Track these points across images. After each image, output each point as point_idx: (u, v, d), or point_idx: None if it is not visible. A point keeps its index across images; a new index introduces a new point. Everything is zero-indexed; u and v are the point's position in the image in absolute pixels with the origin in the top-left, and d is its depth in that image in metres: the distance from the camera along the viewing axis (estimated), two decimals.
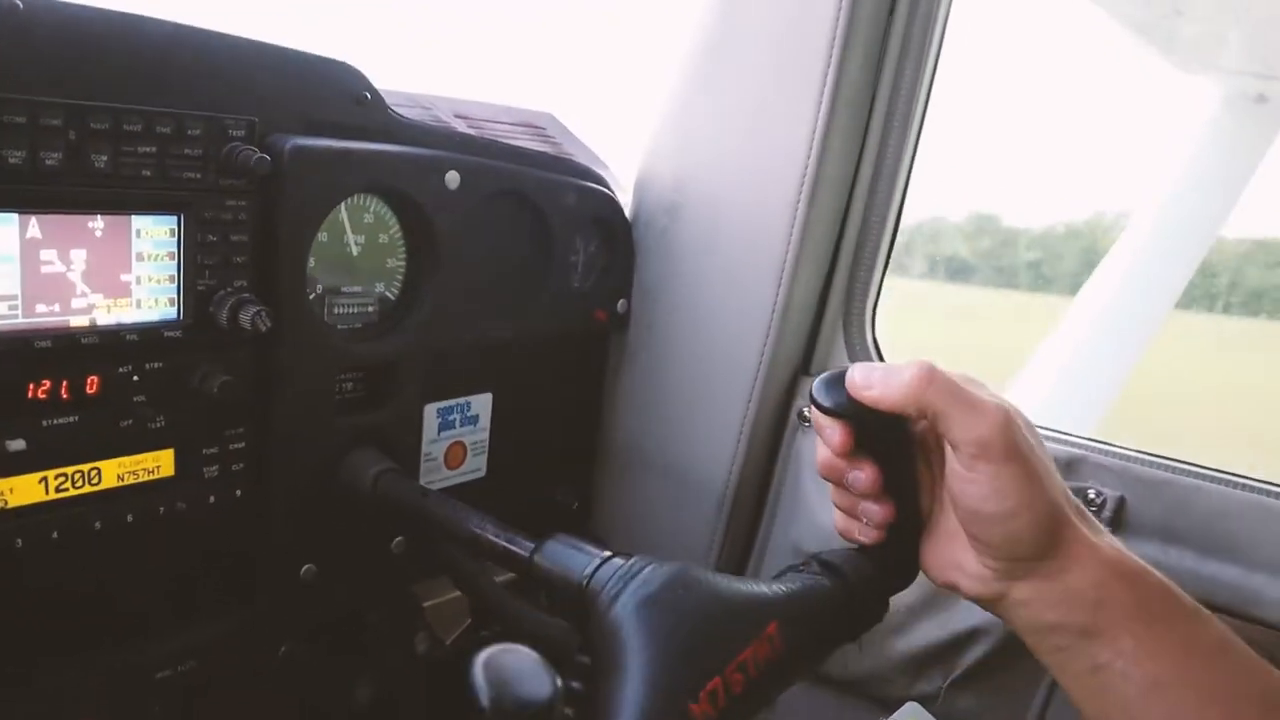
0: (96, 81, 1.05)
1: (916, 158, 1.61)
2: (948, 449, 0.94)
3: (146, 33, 1.11)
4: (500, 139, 1.50)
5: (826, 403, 0.96)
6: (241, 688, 1.33)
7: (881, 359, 1.66)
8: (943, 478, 0.99)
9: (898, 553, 1.02)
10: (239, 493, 1.25)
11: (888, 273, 1.67)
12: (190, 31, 1.14)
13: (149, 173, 1.09)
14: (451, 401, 1.51)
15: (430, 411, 1.48)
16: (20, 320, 1.03)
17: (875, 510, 0.99)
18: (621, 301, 1.70)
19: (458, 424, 1.53)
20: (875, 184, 1.60)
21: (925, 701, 1.50)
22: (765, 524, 1.69)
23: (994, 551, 0.94)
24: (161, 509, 1.18)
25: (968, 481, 0.91)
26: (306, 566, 1.34)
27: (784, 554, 1.66)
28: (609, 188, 1.66)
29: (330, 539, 1.35)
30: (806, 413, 1.62)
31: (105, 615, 1.20)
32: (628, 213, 1.69)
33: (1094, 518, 0.96)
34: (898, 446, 0.99)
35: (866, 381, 0.94)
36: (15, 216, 1.01)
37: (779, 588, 0.93)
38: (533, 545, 1.05)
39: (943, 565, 1.00)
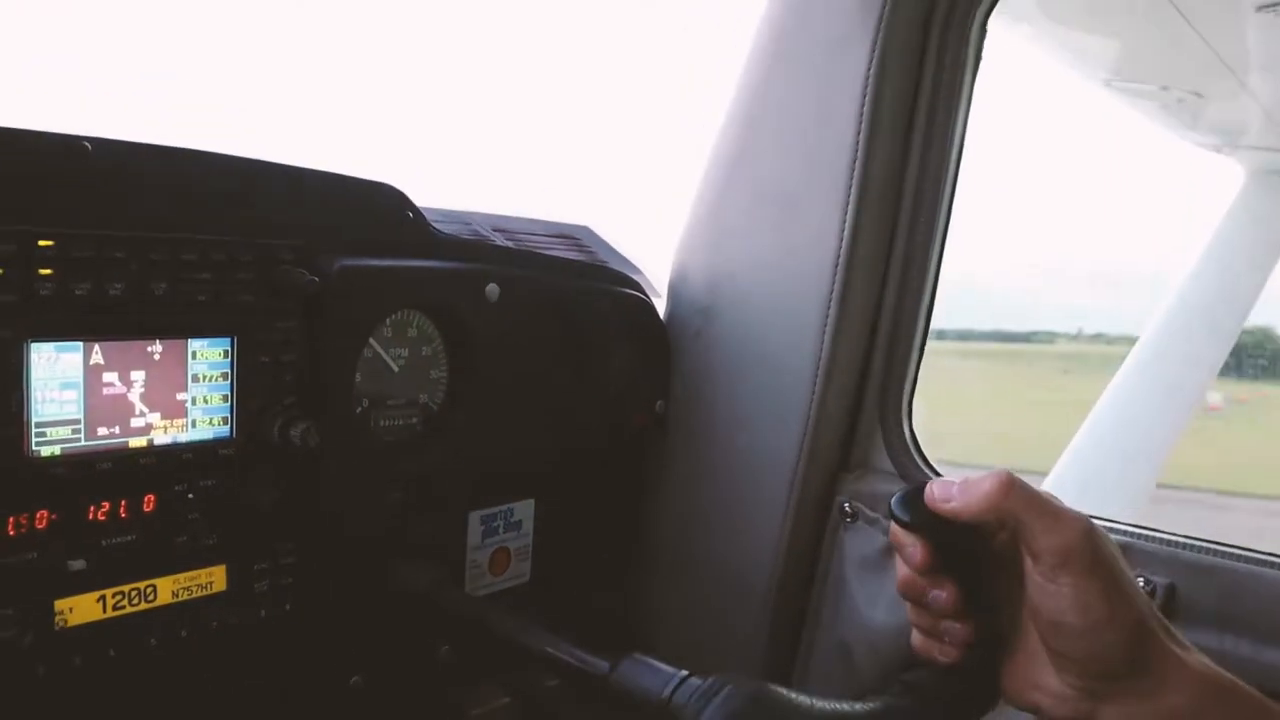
0: (155, 214, 1.11)
1: (946, 245, 1.64)
2: (1027, 562, 0.92)
3: (201, 165, 1.17)
4: (538, 250, 1.54)
5: (905, 517, 0.95)
6: None
7: (920, 450, 1.66)
8: (1021, 594, 0.96)
9: (979, 673, 0.99)
10: (288, 606, 1.27)
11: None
12: (240, 162, 1.21)
13: (204, 298, 1.14)
14: (495, 509, 1.53)
15: (474, 519, 1.50)
16: (83, 443, 1.08)
17: (957, 629, 0.96)
18: (659, 403, 1.72)
19: (501, 530, 1.54)
20: (906, 274, 1.62)
21: None
22: (810, 623, 1.68)
23: (1078, 668, 0.90)
24: (215, 624, 1.20)
25: (1049, 594, 0.89)
26: (355, 678, 1.35)
27: (829, 654, 1.64)
28: (644, 293, 1.69)
29: (377, 648, 1.37)
30: (847, 507, 1.62)
31: None
32: (662, 316, 1.73)
33: (1179, 634, 0.93)
34: (977, 563, 0.98)
35: (945, 494, 0.93)
36: (80, 345, 1.06)
37: (863, 708, 0.92)
38: (607, 663, 1.05)
39: (1023, 685, 0.96)
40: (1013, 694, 0.98)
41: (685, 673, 0.95)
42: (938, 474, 1.64)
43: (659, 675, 0.97)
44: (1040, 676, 0.94)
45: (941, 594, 0.95)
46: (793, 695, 0.89)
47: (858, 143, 1.52)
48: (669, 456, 1.76)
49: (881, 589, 1.57)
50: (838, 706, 0.90)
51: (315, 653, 1.32)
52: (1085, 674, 0.91)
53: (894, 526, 0.98)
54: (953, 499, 0.93)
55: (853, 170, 1.53)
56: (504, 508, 1.54)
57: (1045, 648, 0.93)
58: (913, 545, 0.95)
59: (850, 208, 1.53)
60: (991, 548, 0.98)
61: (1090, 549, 0.88)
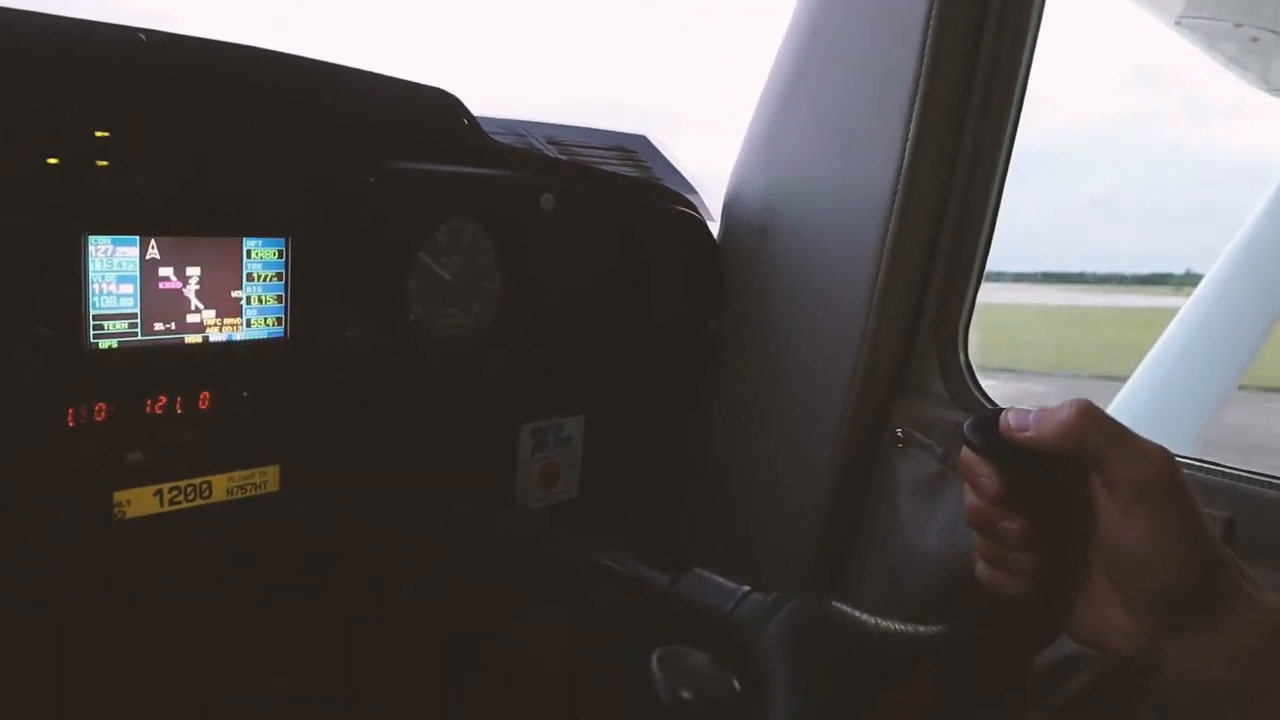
0: (210, 109, 1.10)
1: (1009, 173, 1.59)
2: (1099, 494, 0.89)
3: (256, 64, 1.16)
4: (593, 164, 1.52)
5: (979, 443, 0.91)
6: (344, 706, 1.35)
7: (975, 378, 1.63)
8: (1090, 527, 0.93)
9: (1044, 608, 0.96)
10: (340, 509, 1.28)
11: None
12: (297, 61, 1.19)
13: (260, 196, 1.13)
14: (545, 423, 1.52)
15: (525, 432, 1.49)
16: (140, 338, 1.08)
17: (1025, 561, 0.93)
18: (710, 323, 1.71)
19: (551, 445, 1.54)
20: (967, 201, 1.58)
21: None
22: (858, 547, 1.67)
23: (1148, 602, 0.88)
24: (268, 524, 1.22)
25: (1124, 526, 0.86)
26: (408, 589, 1.36)
27: (878, 579, 1.64)
28: (697, 211, 1.67)
29: (430, 561, 1.38)
30: (900, 432, 1.60)
31: (215, 632, 1.23)
32: (716, 234, 1.70)
33: (1249, 571, 0.90)
34: (1051, 494, 0.94)
35: (1022, 423, 0.90)
36: (137, 239, 1.06)
37: (927, 632, 0.90)
38: (668, 577, 1.04)
39: (1087, 620, 0.94)
40: (1076, 629, 0.95)
41: (748, 588, 0.94)
42: (992, 402, 1.61)
43: (721, 590, 0.96)
44: (1106, 611, 0.91)
45: (1012, 525, 0.92)
46: (858, 614, 0.88)
47: (920, 64, 1.48)
48: (718, 377, 1.74)
49: (933, 515, 1.55)
50: (902, 628, 0.89)
51: (365, 557, 1.33)
52: (1154, 609, 0.88)
53: (965, 454, 0.94)
54: (1029, 427, 0.89)
55: (914, 92, 1.49)
56: (554, 422, 1.54)
57: (1114, 582, 0.90)
58: (986, 474, 0.92)
59: (912, 129, 1.49)
60: (1063, 479, 0.95)
61: (1168, 482, 0.85)
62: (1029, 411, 0.91)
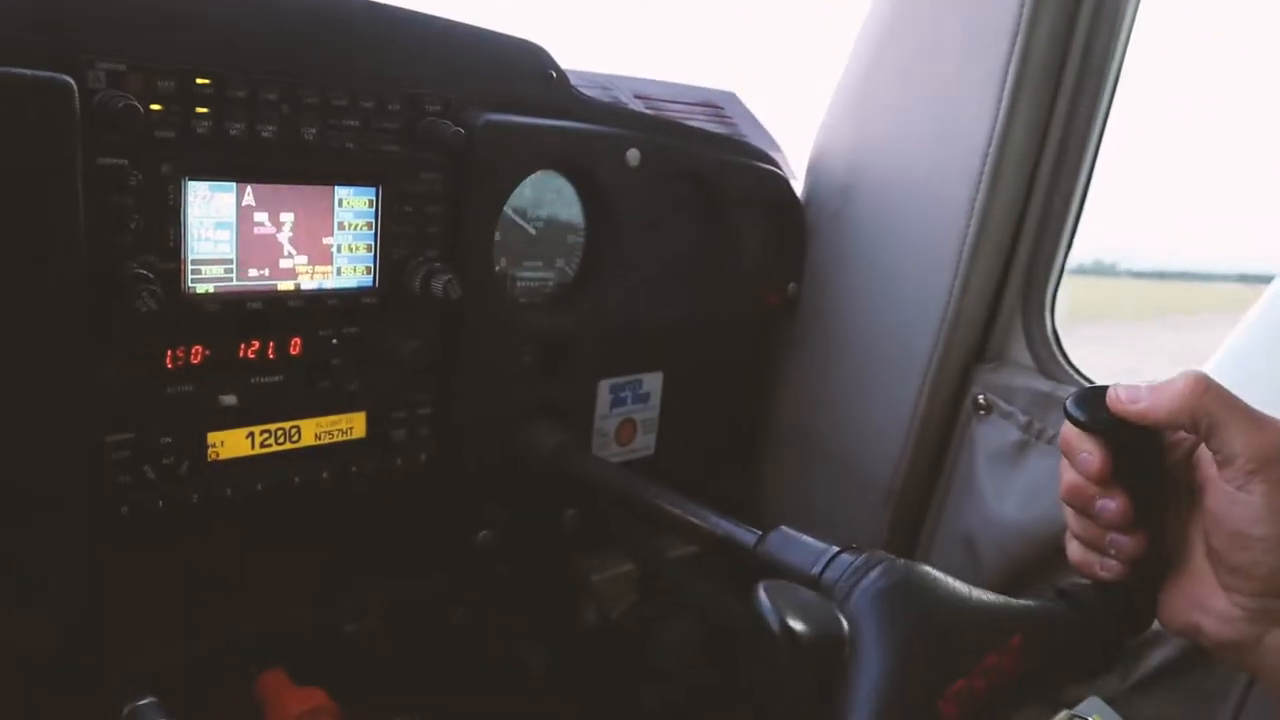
0: (306, 58, 1.11)
1: (1104, 140, 1.54)
2: (1208, 470, 0.87)
3: (351, 14, 1.16)
4: (679, 119, 1.51)
5: (1083, 418, 0.89)
6: (420, 647, 1.37)
7: (1061, 347, 1.59)
8: (1191, 508, 0.91)
9: (1138, 593, 0.93)
10: (424, 457, 1.30)
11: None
12: (391, 11, 1.19)
13: (352, 145, 1.14)
14: (624, 379, 1.53)
15: (604, 387, 1.50)
16: (235, 283, 1.10)
17: (1126, 543, 0.90)
18: (792, 285, 1.69)
19: (629, 401, 1.54)
20: (1060, 166, 1.54)
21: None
22: (934, 514, 1.65)
23: (1255, 585, 0.85)
24: (354, 469, 1.24)
25: (1238, 502, 0.84)
26: (483, 534, 1.38)
27: (952, 548, 1.62)
28: (782, 169, 1.65)
29: (506, 507, 1.39)
30: (981, 399, 1.57)
31: (300, 570, 1.26)
32: (800, 195, 1.68)
33: None
34: (1153, 473, 0.92)
35: (1133, 396, 0.87)
36: (234, 185, 1.08)
37: (1021, 603, 0.88)
38: (755, 535, 1.03)
39: (1183, 606, 0.91)
40: (1170, 614, 0.93)
41: (837, 548, 0.91)
42: (1078, 371, 1.58)
43: (809, 549, 0.93)
44: (1204, 596, 0.89)
45: (1111, 504, 0.89)
46: (949, 580, 0.85)
47: (1018, 25, 1.43)
48: (799, 339, 1.73)
49: (1012, 485, 1.53)
50: (993, 599, 0.86)
51: (446, 505, 1.35)
52: (1260, 592, 0.85)
53: (1066, 429, 0.91)
54: (1141, 400, 0.87)
55: (1011, 53, 1.44)
56: (633, 378, 1.54)
57: (1217, 565, 0.87)
58: (1088, 451, 0.89)
59: (1006, 92, 1.45)
60: (1166, 460, 0.93)
61: None
62: (1139, 386, 0.88)
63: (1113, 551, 0.91)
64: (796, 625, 0.74)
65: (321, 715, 1.13)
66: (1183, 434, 0.90)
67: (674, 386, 1.60)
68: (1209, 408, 0.84)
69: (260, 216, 1.10)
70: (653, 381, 1.57)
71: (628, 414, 1.55)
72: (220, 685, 1.19)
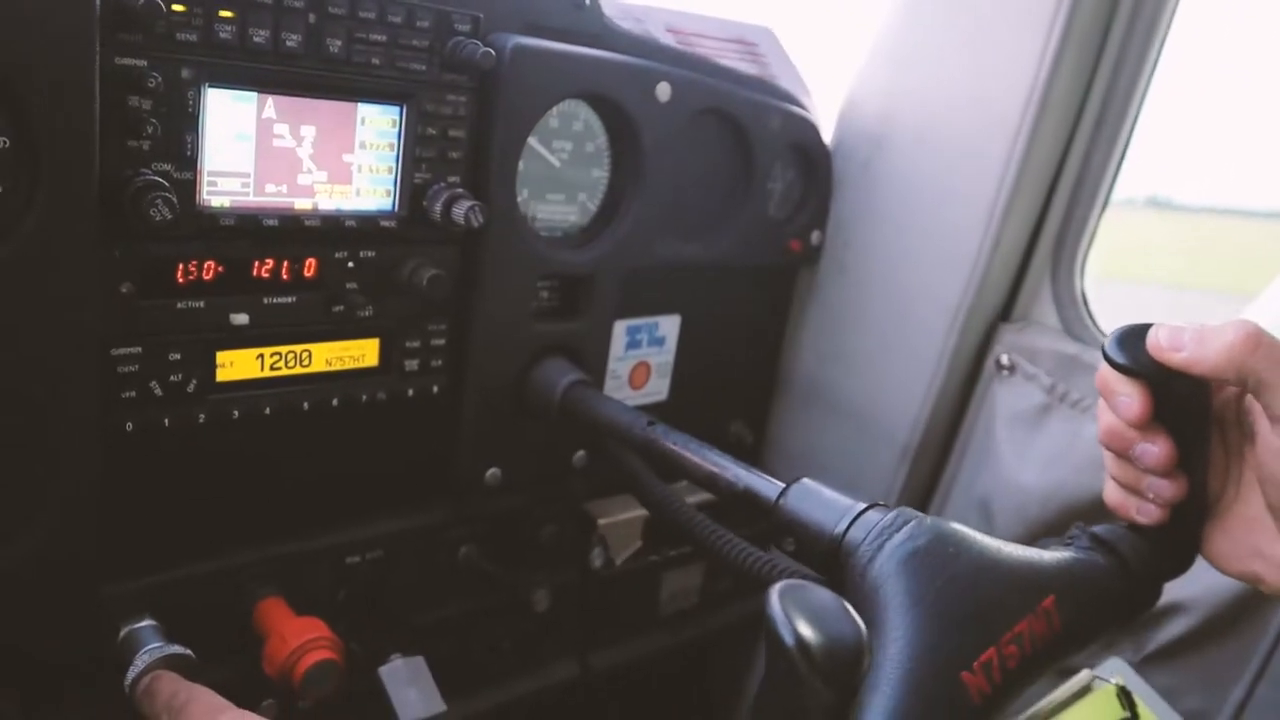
0: None
1: (1149, 95, 1.50)
2: (1262, 423, 0.83)
3: None
4: (710, 56, 1.46)
5: (1124, 361, 0.84)
6: (422, 582, 1.35)
7: (1089, 309, 1.56)
8: (1240, 455, 0.88)
9: (1178, 535, 0.90)
10: (436, 388, 1.27)
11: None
12: None
13: (378, 61, 1.10)
14: (641, 320, 1.49)
15: (620, 328, 1.47)
16: (252, 198, 1.06)
17: (1165, 487, 0.87)
18: (816, 233, 1.65)
19: (645, 344, 1.51)
20: (1102, 121, 1.50)
21: None
22: (950, 474, 1.63)
23: None
24: (364, 397, 1.21)
25: None
26: (492, 470, 1.36)
27: (968, 509, 1.60)
28: (811, 115, 1.60)
29: (517, 446, 1.36)
30: (1005, 360, 1.54)
31: (303, 497, 1.24)
32: (829, 142, 1.64)
33: None
34: (1196, 417, 0.88)
35: (1176, 342, 0.82)
36: (255, 95, 1.03)
37: (1053, 558, 0.84)
38: (778, 489, 0.97)
39: (1240, 554, 0.88)
40: (1225, 560, 0.90)
41: (865, 504, 0.87)
42: (1105, 335, 1.54)
43: (835, 504, 0.89)
44: (1264, 544, 0.85)
45: (1153, 448, 0.85)
46: (981, 537, 0.81)
47: None
48: (820, 291, 1.70)
49: (1032, 447, 1.50)
50: (1025, 556, 0.82)
51: (456, 439, 1.32)
52: None
53: (1104, 370, 0.87)
54: (1184, 347, 0.82)
55: (1058, 8, 1.39)
56: (650, 320, 1.51)
57: (1276, 515, 0.84)
58: (1127, 394, 0.85)
59: (1052, 42, 1.40)
60: (1210, 403, 0.88)
61: None
62: (1183, 329, 0.83)
63: (1151, 495, 0.88)
64: (810, 636, 0.67)
65: (320, 645, 1.10)
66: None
67: (691, 331, 1.57)
68: (1258, 366, 0.79)
69: (280, 129, 1.06)
70: (670, 325, 1.54)
71: (642, 357, 1.52)
72: (220, 610, 1.17)
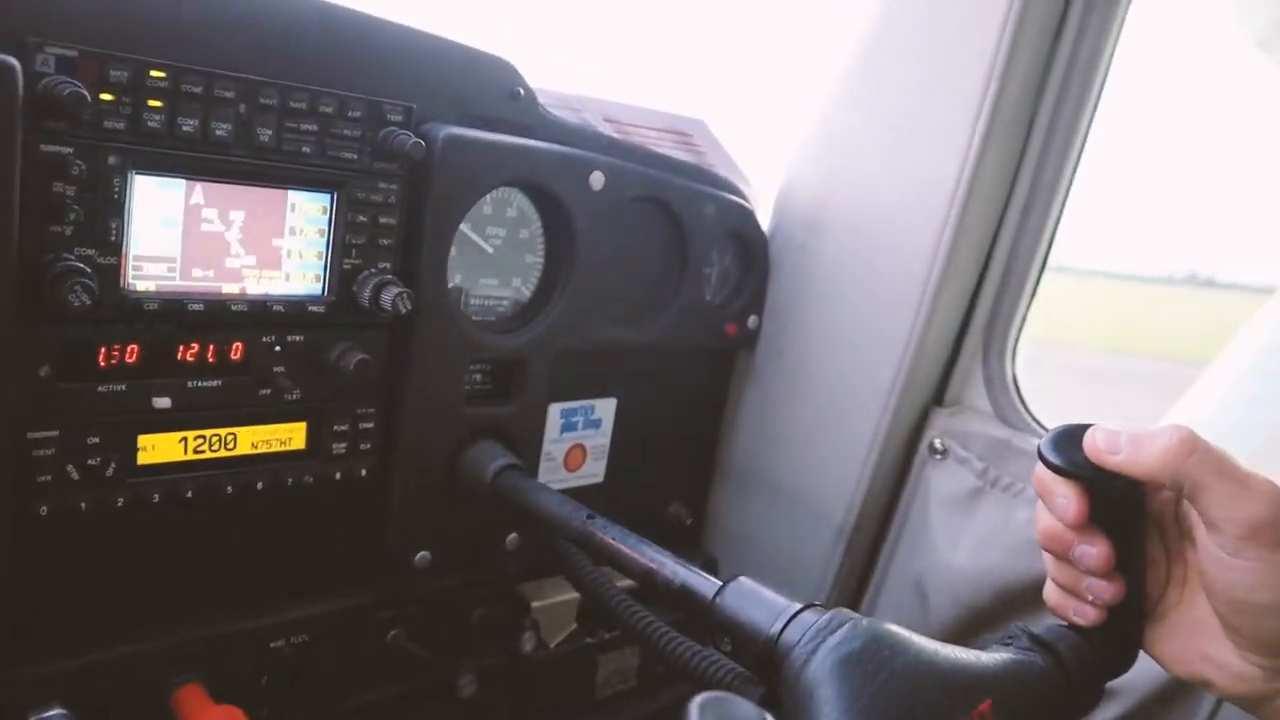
0: (266, 58, 1.08)
1: (1073, 187, 1.55)
2: (1200, 530, 0.83)
3: (316, 15, 1.14)
4: (646, 144, 1.49)
5: (1060, 461, 0.85)
6: (349, 666, 1.33)
7: (1021, 395, 1.59)
8: (1181, 557, 0.89)
9: (1118, 636, 0.90)
10: (364, 471, 1.26)
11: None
12: (355, 16, 1.17)
13: (309, 149, 1.11)
14: (576, 403, 1.50)
15: (554, 411, 1.47)
16: (178, 282, 1.07)
17: (1104, 588, 0.87)
18: (753, 318, 1.68)
19: (580, 426, 1.52)
20: (1029, 209, 1.54)
21: None
22: (885, 557, 1.64)
23: (1266, 647, 0.82)
24: (290, 480, 1.20)
25: (1231, 568, 0.80)
26: (421, 554, 1.35)
27: (902, 591, 1.60)
28: (749, 201, 1.64)
29: (447, 528, 1.36)
30: (938, 444, 1.56)
31: (226, 580, 1.22)
32: (766, 228, 1.67)
33: None
34: (1135, 519, 0.89)
35: (1112, 445, 0.83)
36: (183, 182, 1.05)
37: (991, 660, 0.84)
38: (715, 587, 0.97)
39: (1188, 658, 0.88)
40: (1173, 663, 0.90)
41: (800, 605, 0.87)
42: (1036, 420, 1.57)
43: (771, 605, 0.89)
44: (1212, 649, 0.86)
45: (1091, 549, 0.86)
46: (917, 639, 0.81)
47: (992, 73, 1.43)
48: (756, 374, 1.72)
49: (965, 531, 1.52)
50: (962, 659, 0.82)
51: (385, 523, 1.32)
52: (1273, 653, 0.82)
53: (1041, 471, 0.87)
54: (1120, 450, 0.82)
55: (984, 96, 1.44)
56: (585, 404, 1.52)
57: (1222, 622, 0.84)
58: (1065, 495, 0.85)
59: (978, 134, 1.45)
60: (1146, 505, 0.89)
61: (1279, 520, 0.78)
62: (1119, 432, 0.84)
63: (1090, 597, 0.88)
64: None
65: None
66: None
67: (628, 413, 1.58)
68: (1193, 471, 0.80)
69: (209, 214, 1.07)
70: (606, 408, 1.55)
71: (578, 439, 1.52)
72: (135, 697, 1.15)
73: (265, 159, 1.09)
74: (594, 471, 1.57)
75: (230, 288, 1.11)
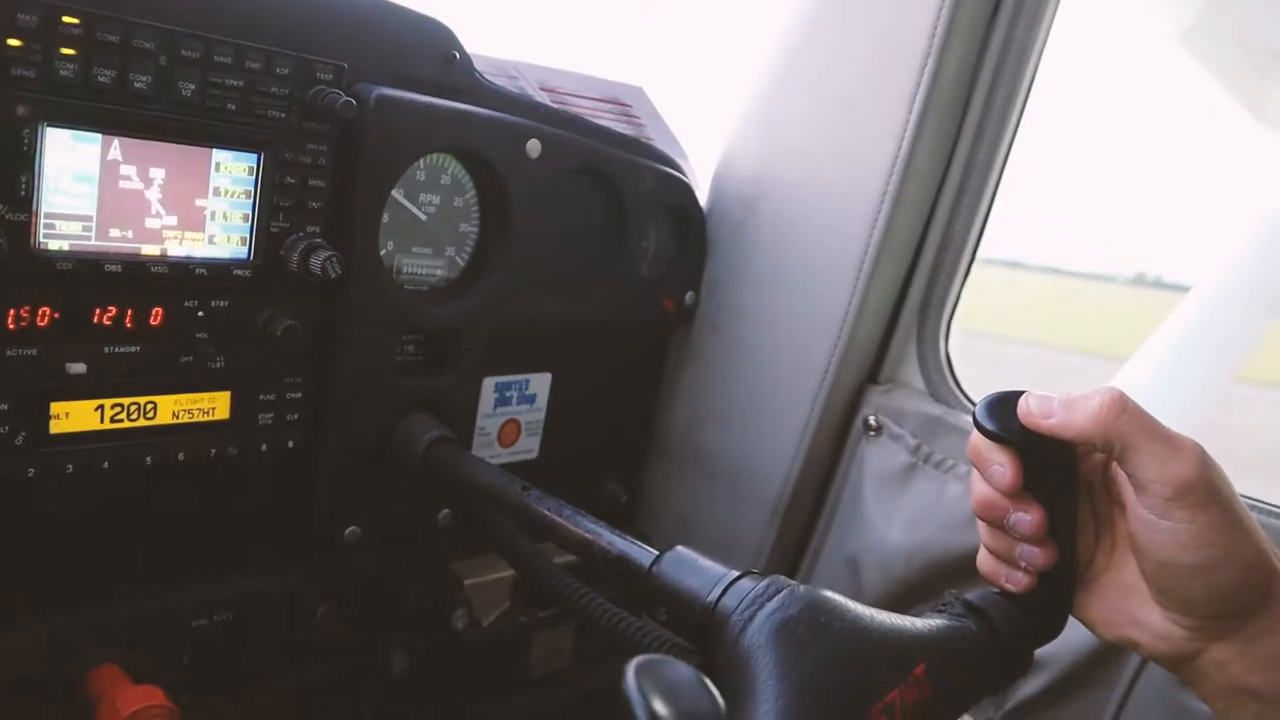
0: (191, 9, 1.04)
1: (1007, 169, 1.56)
2: (1128, 492, 0.85)
3: None
4: (584, 115, 1.47)
5: (995, 427, 0.85)
6: (274, 647, 1.30)
7: (954, 373, 1.60)
8: (1110, 522, 0.90)
9: (1049, 602, 0.91)
10: (292, 443, 1.22)
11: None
12: None
13: (234, 107, 1.07)
14: (511, 378, 1.48)
15: (488, 385, 1.45)
16: (93, 242, 1.02)
17: (1036, 554, 0.88)
18: (690, 294, 1.66)
19: (515, 401, 1.49)
20: (962, 191, 1.55)
21: None
22: (819, 533, 1.64)
23: (1191, 608, 0.83)
24: (213, 451, 1.16)
25: (1159, 529, 0.81)
26: (351, 529, 1.31)
27: (837, 568, 1.61)
28: (687, 176, 1.62)
29: (378, 503, 1.33)
30: (872, 420, 1.57)
31: (146, 556, 1.18)
32: (704, 203, 1.66)
33: None
34: (1067, 485, 0.90)
35: (1045, 410, 0.84)
36: (99, 137, 1.00)
37: (925, 626, 0.84)
38: (651, 556, 0.96)
39: (1117, 620, 0.89)
40: (1102, 627, 0.91)
41: (738, 573, 0.86)
42: (968, 397, 1.58)
43: (707, 573, 0.88)
44: (1139, 611, 0.87)
45: (1026, 516, 0.86)
46: (854, 605, 0.81)
47: (930, 49, 1.43)
48: (692, 349, 1.70)
49: (898, 507, 1.52)
50: (897, 624, 0.82)
51: (313, 496, 1.28)
52: (1197, 614, 0.83)
53: (976, 439, 0.88)
54: (1053, 415, 0.83)
55: (921, 77, 1.44)
56: (520, 378, 1.49)
57: (1149, 585, 0.86)
58: (999, 463, 0.86)
59: (914, 115, 1.45)
60: (1078, 471, 0.90)
61: (1206, 480, 0.80)
62: (1051, 397, 0.85)
63: (1023, 564, 0.89)
64: (664, 713, 0.65)
65: (154, 714, 1.04)
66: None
67: (563, 388, 1.56)
68: (1123, 430, 0.81)
69: (127, 170, 1.02)
70: (540, 382, 1.52)
71: (512, 414, 1.50)
72: (48, 677, 1.10)
73: (188, 115, 1.04)
74: (529, 447, 1.55)
75: (150, 249, 1.06)
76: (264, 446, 1.20)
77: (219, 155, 1.08)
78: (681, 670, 0.69)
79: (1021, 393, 0.87)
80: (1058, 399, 0.84)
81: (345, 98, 1.11)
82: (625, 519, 1.77)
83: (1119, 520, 0.90)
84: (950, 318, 1.61)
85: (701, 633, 0.86)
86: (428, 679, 1.47)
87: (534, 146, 1.34)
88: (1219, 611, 0.83)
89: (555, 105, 1.45)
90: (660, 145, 1.60)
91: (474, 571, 1.48)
